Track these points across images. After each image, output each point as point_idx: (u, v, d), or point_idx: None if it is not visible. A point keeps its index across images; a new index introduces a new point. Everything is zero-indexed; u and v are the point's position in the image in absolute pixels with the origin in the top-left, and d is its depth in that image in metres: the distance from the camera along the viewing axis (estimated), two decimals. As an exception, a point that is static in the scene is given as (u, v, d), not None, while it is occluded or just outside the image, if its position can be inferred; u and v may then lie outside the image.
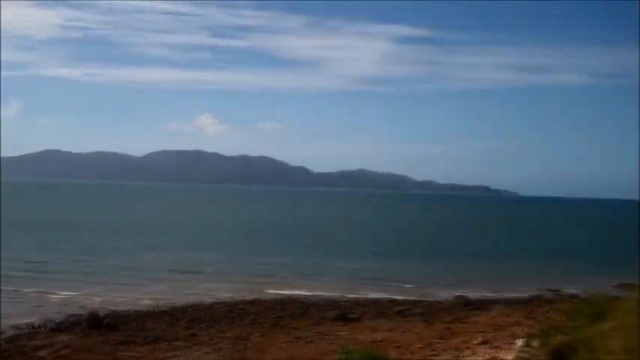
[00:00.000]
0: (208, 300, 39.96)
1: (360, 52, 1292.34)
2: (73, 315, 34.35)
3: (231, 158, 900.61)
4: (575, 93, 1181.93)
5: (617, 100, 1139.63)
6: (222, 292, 43.44)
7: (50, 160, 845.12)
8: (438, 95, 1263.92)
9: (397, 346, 28.83)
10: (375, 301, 41.60)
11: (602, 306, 18.67)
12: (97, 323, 31.65)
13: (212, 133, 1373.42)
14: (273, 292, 44.02)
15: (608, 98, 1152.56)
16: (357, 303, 40.74)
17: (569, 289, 48.20)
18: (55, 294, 40.97)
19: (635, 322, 12.46)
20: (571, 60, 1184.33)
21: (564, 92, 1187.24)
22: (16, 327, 31.43)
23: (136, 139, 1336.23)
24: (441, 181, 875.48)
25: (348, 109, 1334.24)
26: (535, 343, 18.92)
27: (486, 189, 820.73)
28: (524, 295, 46.09)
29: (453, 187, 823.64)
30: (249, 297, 41.53)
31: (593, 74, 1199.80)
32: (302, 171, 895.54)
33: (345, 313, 36.69)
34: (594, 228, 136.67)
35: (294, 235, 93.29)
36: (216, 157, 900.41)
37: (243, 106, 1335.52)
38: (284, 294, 43.23)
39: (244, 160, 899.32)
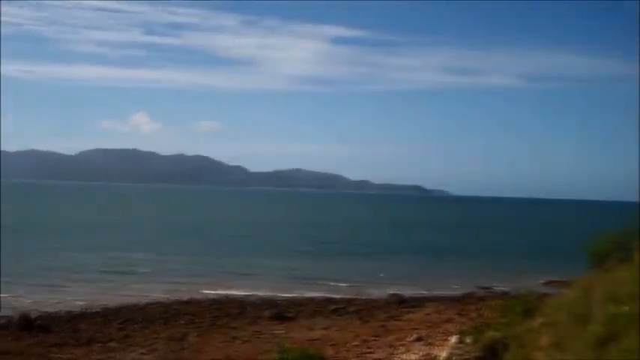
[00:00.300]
0: (142, 301, 39.52)
1: (296, 52, 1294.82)
2: (2, 317, 33.57)
3: (167, 157, 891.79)
4: (504, 95, 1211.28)
5: (544, 102, 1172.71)
6: (157, 292, 43.01)
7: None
8: (373, 96, 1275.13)
9: (333, 344, 29.01)
10: (311, 300, 41.77)
11: (532, 303, 19.11)
12: (29, 325, 31.02)
13: (147, 132, 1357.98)
14: (209, 292, 43.79)
15: (536, 100, 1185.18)
16: (293, 302, 40.83)
17: (500, 287, 49.32)
18: (-18, 296, 39.91)
19: (564, 319, 12.82)
20: (500, 62, 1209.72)
21: (494, 94, 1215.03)
22: (-58, 330, 30.58)
23: (70, 137, 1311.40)
24: (375, 181, 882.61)
25: (285, 108, 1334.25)
26: (468, 340, 19.23)
27: (419, 188, 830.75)
28: (457, 292, 46.89)
29: (386, 186, 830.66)
30: (185, 297, 41.23)
31: (521, 76, 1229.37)
32: (239, 170, 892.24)
33: (281, 312, 36.76)
34: (524, 227, 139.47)
35: (228, 234, 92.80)
36: (152, 156, 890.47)
37: (179, 105, 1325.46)
38: (220, 294, 43.04)
39: (180, 159, 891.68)
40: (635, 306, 9.29)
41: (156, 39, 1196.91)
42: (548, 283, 48.74)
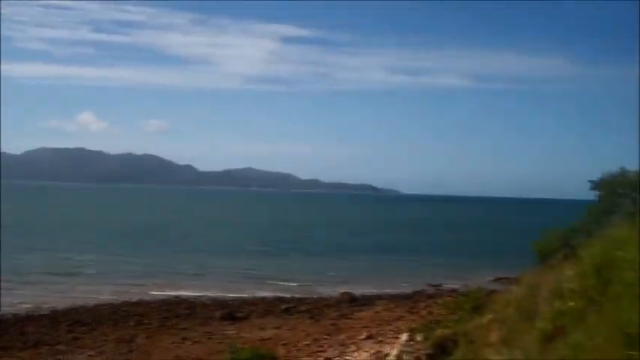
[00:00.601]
0: (91, 302, 39.00)
1: (246, 50, 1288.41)
2: (-55, 321, 32.83)
3: (115, 156, 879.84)
4: (452, 94, 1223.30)
5: (491, 102, 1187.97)
6: (105, 293, 42.49)
7: None
8: (323, 95, 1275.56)
9: (284, 344, 29.02)
10: (262, 300, 41.71)
11: (481, 300, 19.35)
12: (-27, 329, 30.38)
13: (95, 131, 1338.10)
14: (159, 293, 43.40)
15: (483, 100, 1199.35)
16: (244, 302, 40.72)
17: (450, 284, 49.90)
18: None
19: (512, 315, 13.01)
20: (448, 63, 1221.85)
21: (442, 94, 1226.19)
22: None
23: (15, 136, 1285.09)
24: (326, 180, 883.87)
25: (235, 107, 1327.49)
26: (418, 337, 19.40)
27: (370, 187, 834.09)
28: (408, 290, 47.24)
29: (337, 185, 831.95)
30: (134, 298, 40.79)
31: (468, 76, 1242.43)
32: (189, 169, 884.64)
33: (232, 312, 36.63)
34: (475, 226, 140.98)
35: (178, 234, 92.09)
36: (99, 156, 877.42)
37: (128, 104, 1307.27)
38: (170, 295, 42.70)
39: (129, 158, 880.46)
40: (580, 302, 9.49)
41: (104, 37, 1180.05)
42: (497, 280, 49.46)
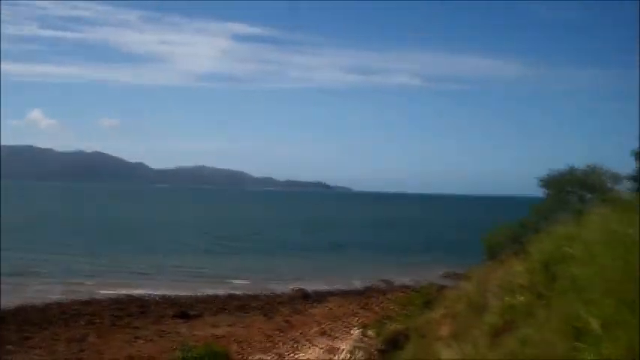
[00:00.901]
0: (41, 302, 38.36)
1: (199, 48, 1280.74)
2: None
3: (65, 154, 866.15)
4: (403, 94, 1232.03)
5: (442, 102, 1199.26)
6: (56, 293, 41.83)
7: None
8: (275, 93, 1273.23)
9: (238, 341, 28.99)
10: (215, 297, 41.56)
11: (432, 295, 19.59)
12: None
13: (45, 128, 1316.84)
14: (110, 292, 42.89)
15: (434, 99, 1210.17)
16: (197, 300, 40.52)
17: (401, 280, 50.33)
18: None
19: (462, 310, 13.21)
20: (400, 63, 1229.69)
21: (393, 93, 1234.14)
22: None
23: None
24: (279, 178, 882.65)
25: (188, 105, 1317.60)
26: (370, 332, 19.59)
27: (322, 185, 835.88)
28: (360, 287, 47.52)
29: (290, 183, 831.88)
30: (84, 297, 40.25)
31: (419, 76, 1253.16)
32: (141, 167, 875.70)
33: (185, 310, 36.44)
34: (427, 223, 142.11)
35: (129, 232, 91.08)
36: (49, 153, 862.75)
37: (79, 101, 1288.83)
38: (121, 293, 42.23)
39: (79, 156, 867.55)
40: (529, 296, 9.70)
41: (54, 33, 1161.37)
42: (448, 276, 50.01)
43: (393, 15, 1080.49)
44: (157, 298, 40.74)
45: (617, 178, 20.55)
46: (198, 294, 43.02)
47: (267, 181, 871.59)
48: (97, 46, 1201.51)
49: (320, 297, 42.27)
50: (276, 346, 28.28)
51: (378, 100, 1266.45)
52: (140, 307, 37.73)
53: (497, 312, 10.19)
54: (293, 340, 29.37)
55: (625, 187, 19.57)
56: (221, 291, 44.32)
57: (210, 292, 44.03)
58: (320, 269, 56.81)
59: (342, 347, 25.08)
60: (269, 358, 26.59)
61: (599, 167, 21.02)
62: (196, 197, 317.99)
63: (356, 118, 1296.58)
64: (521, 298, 9.85)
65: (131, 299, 40.21)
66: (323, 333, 30.53)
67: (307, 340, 29.11)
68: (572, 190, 21.25)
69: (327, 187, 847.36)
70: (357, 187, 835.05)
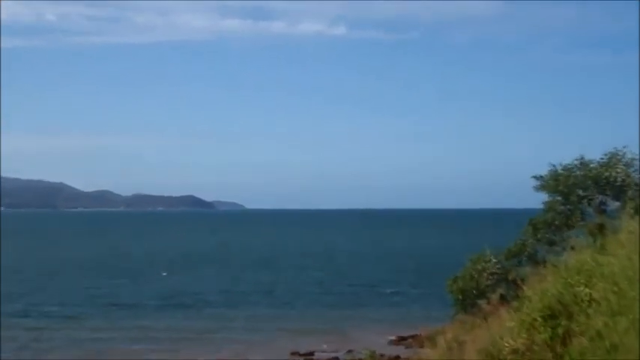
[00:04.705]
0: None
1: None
2: None
3: None
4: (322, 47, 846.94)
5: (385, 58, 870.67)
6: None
7: None
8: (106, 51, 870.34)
9: None
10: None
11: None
12: None
13: None
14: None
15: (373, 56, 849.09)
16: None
17: (326, 351, 39.13)
18: None
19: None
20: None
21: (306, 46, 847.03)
22: None
23: None
24: (123, 192, 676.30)
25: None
26: None
27: (196, 201, 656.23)
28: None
29: (140, 199, 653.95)
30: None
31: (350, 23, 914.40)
32: None
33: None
34: (345, 250, 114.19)
35: None
36: None
37: None
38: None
39: None
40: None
41: None
42: (400, 341, 39.83)
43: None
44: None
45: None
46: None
47: (103, 197, 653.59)
48: None
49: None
50: None
51: (276, 57, 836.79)
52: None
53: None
54: None
55: None
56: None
57: None
58: (198, 338, 43.81)
59: None
60: None
61: (623, 155, 15.16)
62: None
63: (248, 86, 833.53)
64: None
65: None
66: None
67: None
68: (586, 194, 15.22)
69: (205, 204, 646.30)
70: (251, 204, 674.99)
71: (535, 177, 15.61)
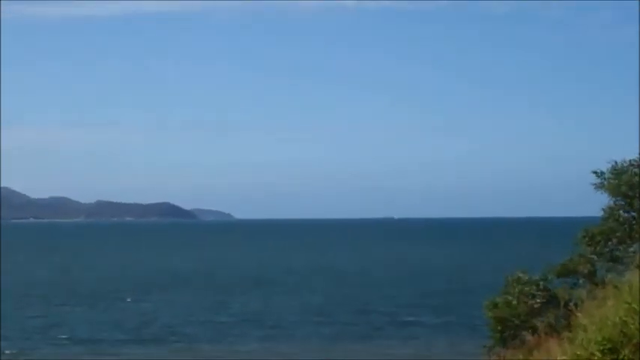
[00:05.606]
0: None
1: None
2: None
3: None
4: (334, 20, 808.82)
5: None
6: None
7: None
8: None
9: None
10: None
11: None
12: None
13: None
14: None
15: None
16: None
17: None
18: None
19: None
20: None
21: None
22: None
23: None
24: (83, 199, 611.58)
25: None
26: None
27: (173, 210, 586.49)
28: None
29: (104, 206, 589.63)
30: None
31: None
32: None
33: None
34: (343, 270, 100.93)
35: None
36: None
37: None
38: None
39: None
40: None
41: None
42: None
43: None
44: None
45: None
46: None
47: (58, 205, 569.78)
48: None
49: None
50: None
51: (274, 32, 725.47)
52: None
53: None
54: None
55: None
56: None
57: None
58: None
59: None
60: None
61: None
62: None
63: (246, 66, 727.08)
64: None
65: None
66: None
67: None
68: None
69: (183, 213, 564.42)
70: (240, 213, 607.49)
71: (595, 172, 14.59)
